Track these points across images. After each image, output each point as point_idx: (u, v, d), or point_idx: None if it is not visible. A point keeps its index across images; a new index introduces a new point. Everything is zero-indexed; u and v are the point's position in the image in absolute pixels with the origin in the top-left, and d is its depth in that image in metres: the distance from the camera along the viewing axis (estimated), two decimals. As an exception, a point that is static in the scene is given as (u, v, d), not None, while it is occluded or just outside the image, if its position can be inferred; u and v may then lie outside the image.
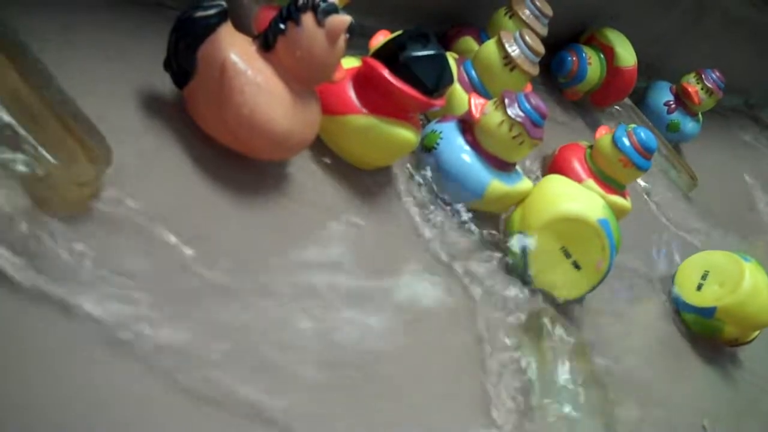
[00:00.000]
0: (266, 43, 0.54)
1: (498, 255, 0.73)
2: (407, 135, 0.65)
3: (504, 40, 0.78)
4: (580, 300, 0.78)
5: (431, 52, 0.63)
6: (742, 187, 1.44)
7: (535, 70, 0.80)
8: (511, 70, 0.79)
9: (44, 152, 0.43)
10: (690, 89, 1.21)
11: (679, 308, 0.95)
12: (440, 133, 0.73)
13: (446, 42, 0.91)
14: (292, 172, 0.62)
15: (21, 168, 0.43)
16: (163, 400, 0.44)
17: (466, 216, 0.73)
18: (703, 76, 1.21)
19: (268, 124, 0.54)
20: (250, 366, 0.49)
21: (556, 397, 0.65)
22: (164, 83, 0.56)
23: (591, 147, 0.89)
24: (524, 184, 0.75)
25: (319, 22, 0.53)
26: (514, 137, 0.70)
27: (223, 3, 0.53)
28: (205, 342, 0.47)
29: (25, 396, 0.39)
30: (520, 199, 0.75)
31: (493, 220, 0.76)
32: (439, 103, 0.65)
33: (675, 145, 1.26)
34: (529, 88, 0.83)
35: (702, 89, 1.21)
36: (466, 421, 0.60)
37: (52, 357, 0.41)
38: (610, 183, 0.87)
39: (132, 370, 0.43)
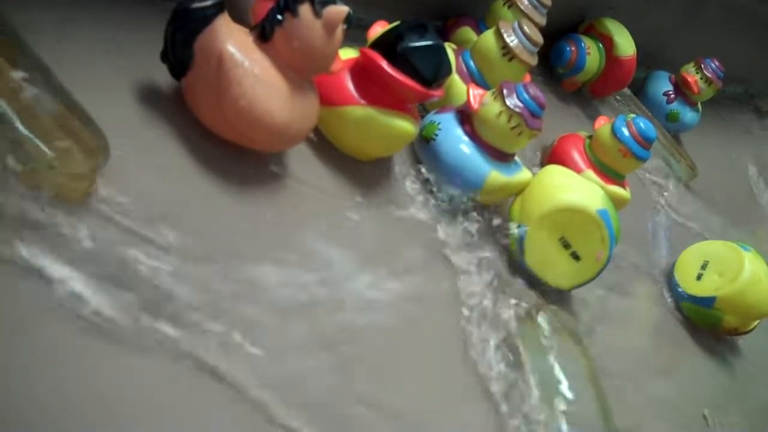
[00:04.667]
0: (263, 34, 0.54)
1: (496, 245, 0.73)
2: (405, 126, 0.65)
3: (502, 31, 0.78)
4: (579, 290, 0.78)
5: (429, 43, 0.63)
6: (742, 176, 1.44)
7: (533, 61, 0.79)
8: (510, 60, 0.79)
9: (41, 145, 0.43)
10: (689, 79, 1.21)
11: (678, 298, 0.95)
12: (439, 123, 0.73)
13: (444, 32, 0.91)
14: (290, 164, 0.62)
15: (17, 161, 0.43)
16: (162, 392, 0.44)
17: (465, 206, 0.73)
18: (702, 65, 1.21)
19: (265, 116, 0.54)
20: (252, 354, 0.49)
21: (552, 386, 0.65)
22: (162, 75, 0.56)
23: (590, 137, 0.89)
24: (523, 174, 0.75)
25: (317, 13, 0.53)
26: (512, 128, 0.70)
27: (220, -6, 0.53)
28: (205, 332, 0.47)
29: (23, 387, 0.39)
30: (520, 190, 0.75)
31: (491, 210, 0.76)
32: (437, 93, 0.65)
33: (674, 135, 1.26)
34: (527, 78, 0.83)
35: (701, 79, 1.21)
36: (461, 409, 0.60)
37: (51, 348, 0.41)
38: (609, 173, 0.87)
39: (132, 361, 0.43)
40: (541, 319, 0.70)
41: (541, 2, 0.86)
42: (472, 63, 0.81)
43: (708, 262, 0.94)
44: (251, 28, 0.55)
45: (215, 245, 0.52)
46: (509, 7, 0.86)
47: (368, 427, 0.52)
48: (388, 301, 0.60)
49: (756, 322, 0.96)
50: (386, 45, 0.63)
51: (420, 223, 0.69)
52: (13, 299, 0.41)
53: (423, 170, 0.73)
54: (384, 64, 0.62)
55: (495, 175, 0.71)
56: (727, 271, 0.91)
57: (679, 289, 0.94)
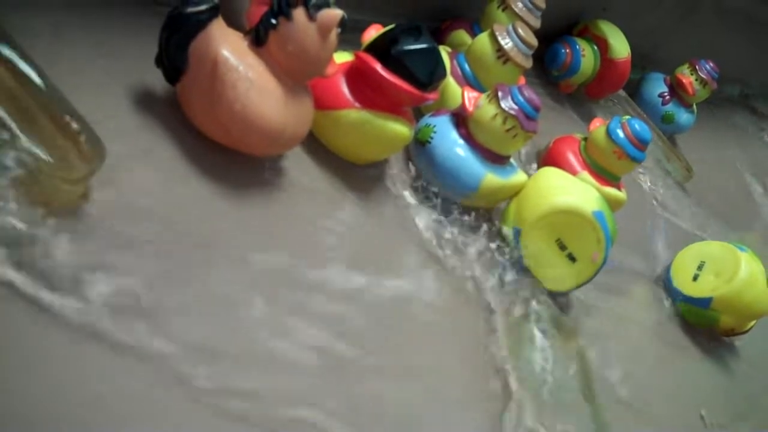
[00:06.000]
0: (258, 38, 0.54)
1: (492, 248, 0.73)
2: (400, 129, 0.65)
3: (497, 33, 0.78)
4: (575, 292, 0.78)
5: (424, 46, 0.63)
6: (737, 177, 1.44)
7: (528, 63, 0.79)
8: (505, 63, 0.79)
9: (36, 150, 0.43)
10: (684, 80, 1.21)
11: (675, 299, 0.95)
12: (434, 127, 0.73)
13: (439, 35, 0.91)
14: (285, 168, 0.62)
15: (12, 166, 0.43)
16: (161, 395, 0.44)
17: (460, 209, 0.73)
18: (697, 66, 1.21)
19: (260, 120, 0.54)
20: (248, 356, 0.49)
21: (549, 387, 0.65)
22: (157, 80, 0.56)
23: (585, 139, 0.89)
24: (519, 176, 0.75)
25: (311, 17, 0.53)
26: (507, 130, 0.70)
27: (214, -2, 0.53)
28: (202, 336, 0.47)
29: (21, 392, 0.39)
30: (515, 192, 0.75)
31: (487, 213, 0.76)
32: (432, 96, 0.65)
33: (670, 136, 1.26)
34: (522, 80, 0.83)
35: (696, 80, 1.21)
36: (460, 409, 0.60)
37: (47, 352, 0.41)
38: (604, 175, 0.87)
39: (129, 365, 0.43)
40: (538, 320, 0.70)
41: (536, 5, 0.87)
42: (466, 66, 0.81)
43: (704, 262, 0.94)
44: (245, 33, 0.55)
45: (210, 249, 0.52)
46: (504, 10, 0.86)
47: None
48: (383, 304, 0.60)
49: (752, 323, 0.96)
50: (381, 48, 0.63)
51: (415, 226, 0.69)
52: (5, 303, 0.41)
53: (418, 173, 0.73)
54: (379, 67, 0.62)
55: (490, 178, 0.71)
56: (724, 271, 0.92)
57: (676, 290, 0.94)
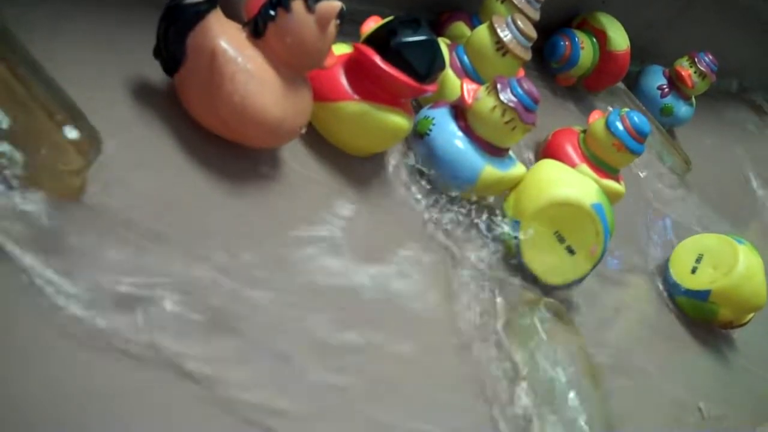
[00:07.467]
0: (256, 29, 0.54)
1: (491, 240, 0.73)
2: (399, 121, 0.65)
3: (496, 25, 0.78)
4: (573, 285, 0.78)
5: (422, 38, 0.63)
6: (735, 170, 1.44)
7: (527, 55, 0.79)
8: (504, 55, 0.79)
9: (32, 142, 0.43)
10: (683, 73, 1.21)
11: (673, 292, 0.95)
12: (433, 119, 0.72)
13: (438, 27, 0.91)
14: (284, 160, 0.62)
15: (8, 159, 0.42)
16: (161, 391, 0.44)
17: (459, 201, 0.73)
18: (696, 59, 1.21)
19: (259, 112, 0.54)
20: (247, 352, 0.49)
21: (548, 382, 0.65)
22: (154, 71, 0.55)
23: (584, 131, 0.89)
24: (518, 169, 0.75)
25: (310, 8, 0.53)
26: (506, 122, 0.70)
27: (213, -11, 0.52)
28: (200, 331, 0.47)
29: (21, 388, 0.39)
30: (514, 185, 0.75)
31: (486, 205, 0.76)
32: (431, 88, 0.65)
33: (668, 129, 1.26)
34: (521, 73, 0.82)
35: (695, 73, 1.21)
36: (455, 409, 0.60)
37: (43, 349, 0.41)
38: (603, 167, 0.87)
39: (129, 361, 0.43)
40: (537, 313, 0.70)
41: (535, -4, 0.86)
42: (465, 58, 0.81)
43: (702, 255, 0.94)
44: (244, 24, 0.55)
45: (208, 242, 0.52)
46: (503, 2, 0.86)
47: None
48: (382, 297, 0.60)
49: (751, 315, 0.96)
50: (380, 40, 0.63)
51: (414, 218, 0.69)
52: (2, 299, 0.41)
53: (417, 165, 0.73)
54: (377, 59, 0.62)
55: (489, 170, 0.71)
56: (722, 264, 0.92)
57: (674, 283, 0.94)
